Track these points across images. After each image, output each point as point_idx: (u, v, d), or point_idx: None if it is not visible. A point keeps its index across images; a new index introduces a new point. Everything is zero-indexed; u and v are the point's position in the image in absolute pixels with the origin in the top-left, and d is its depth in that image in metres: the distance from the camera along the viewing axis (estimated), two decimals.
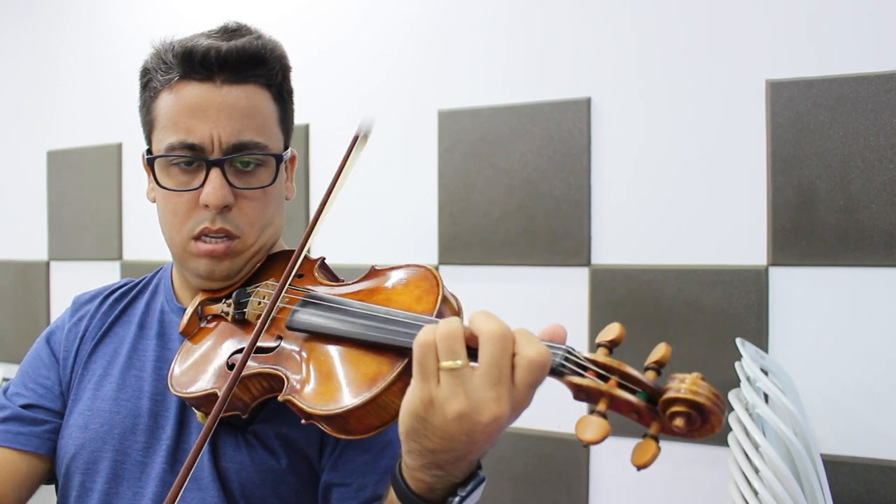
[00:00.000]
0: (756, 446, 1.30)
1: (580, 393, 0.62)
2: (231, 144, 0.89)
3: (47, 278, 2.61)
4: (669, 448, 1.72)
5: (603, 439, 0.58)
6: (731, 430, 1.39)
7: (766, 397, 1.37)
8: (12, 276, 2.68)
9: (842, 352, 1.57)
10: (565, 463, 1.80)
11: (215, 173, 0.88)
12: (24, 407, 0.98)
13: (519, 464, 1.84)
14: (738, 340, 1.43)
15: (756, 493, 1.28)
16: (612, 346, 0.64)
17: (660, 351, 0.63)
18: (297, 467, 0.88)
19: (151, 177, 0.93)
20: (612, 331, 0.65)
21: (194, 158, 0.89)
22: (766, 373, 1.42)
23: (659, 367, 0.62)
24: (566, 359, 0.63)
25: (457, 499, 0.67)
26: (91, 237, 2.51)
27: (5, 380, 1.15)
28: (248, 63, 0.90)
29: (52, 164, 2.61)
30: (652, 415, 0.60)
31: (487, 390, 0.61)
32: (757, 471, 1.29)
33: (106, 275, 2.42)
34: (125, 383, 0.96)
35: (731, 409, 1.39)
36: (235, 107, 0.89)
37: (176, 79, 0.90)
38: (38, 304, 2.61)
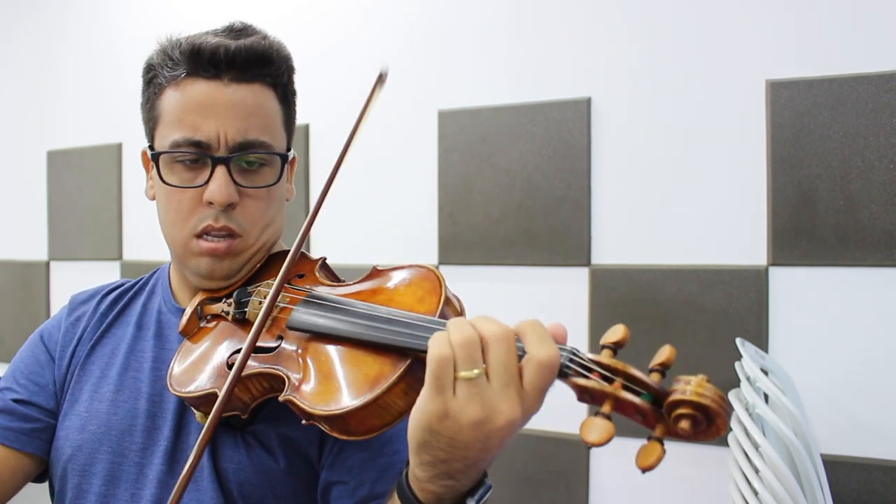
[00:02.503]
0: (756, 446, 1.29)
1: (584, 394, 0.62)
2: (237, 143, 0.88)
3: (47, 278, 2.61)
4: (670, 448, 1.72)
5: (608, 441, 0.58)
6: (731, 430, 1.39)
7: (766, 397, 1.37)
8: (12, 276, 2.68)
9: (842, 352, 1.57)
10: (565, 463, 1.80)
11: (221, 171, 0.88)
12: (17, 402, 0.97)
13: (519, 464, 1.84)
14: (738, 340, 1.43)
15: (756, 493, 1.28)
16: (616, 347, 0.64)
17: (664, 353, 0.62)
18: (295, 467, 0.88)
19: (155, 173, 0.93)
20: (616, 332, 0.64)
21: (199, 155, 0.88)
22: (766, 373, 1.42)
23: (664, 368, 0.62)
24: (571, 360, 0.62)
25: None
26: (91, 237, 2.51)
27: None
28: (256, 62, 0.90)
29: (52, 164, 2.61)
30: (657, 417, 0.60)
31: (500, 394, 0.60)
32: (757, 471, 1.28)
33: (106, 275, 2.42)
34: (123, 384, 0.95)
35: (731, 409, 1.39)
36: (242, 105, 0.89)
37: (183, 75, 0.90)
38: (38, 304, 2.61)
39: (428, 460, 0.64)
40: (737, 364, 1.43)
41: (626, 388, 0.61)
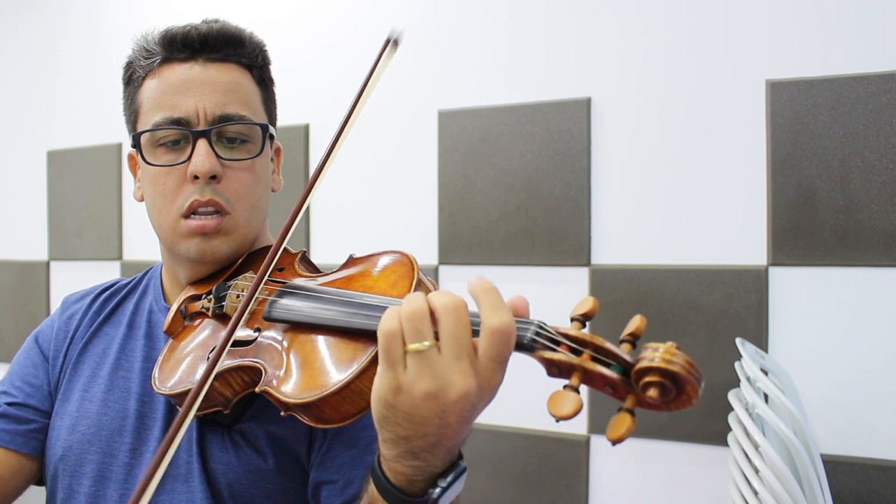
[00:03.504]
0: (756, 446, 1.29)
1: (553, 367, 0.61)
2: (216, 116, 0.89)
3: (47, 278, 2.61)
4: (670, 448, 1.73)
5: (575, 415, 0.57)
6: (730, 430, 1.39)
7: (766, 397, 1.37)
8: (12, 276, 2.68)
9: (842, 352, 1.57)
10: (565, 463, 1.80)
11: (202, 143, 0.88)
12: (11, 405, 0.97)
13: (519, 464, 1.84)
14: (738, 340, 1.43)
15: (756, 493, 1.28)
16: (584, 319, 0.63)
17: (635, 322, 0.61)
18: (285, 466, 0.87)
19: (140, 158, 0.93)
20: (585, 304, 0.63)
21: (181, 134, 0.89)
22: (766, 373, 1.42)
23: (634, 339, 0.60)
24: (538, 333, 0.61)
25: (437, 490, 0.64)
26: (91, 237, 2.51)
27: None
28: (228, 43, 0.93)
29: (52, 164, 2.61)
30: (627, 388, 0.58)
31: (451, 365, 0.60)
32: (757, 471, 1.28)
33: (106, 275, 2.41)
34: (113, 384, 0.95)
35: (731, 408, 1.39)
36: (219, 82, 0.91)
37: (158, 62, 0.92)
38: (38, 304, 2.61)
39: (390, 437, 0.64)
40: (737, 364, 1.43)
41: (594, 359, 0.59)
